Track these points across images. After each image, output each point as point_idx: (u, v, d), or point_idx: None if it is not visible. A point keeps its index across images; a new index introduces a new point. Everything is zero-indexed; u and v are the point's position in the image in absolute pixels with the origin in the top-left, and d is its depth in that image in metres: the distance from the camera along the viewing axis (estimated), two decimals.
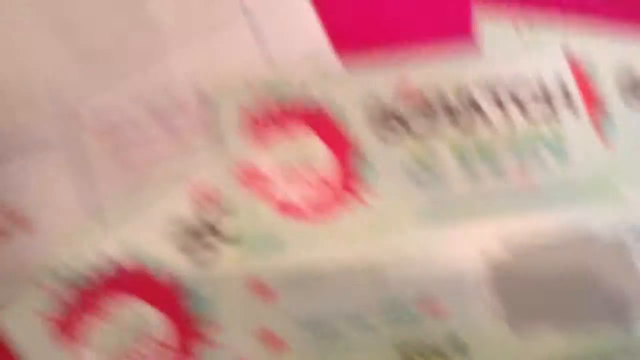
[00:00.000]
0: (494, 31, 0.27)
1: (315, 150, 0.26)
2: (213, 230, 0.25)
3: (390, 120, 0.26)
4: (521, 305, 0.24)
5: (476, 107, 0.26)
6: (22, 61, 0.24)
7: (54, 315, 0.24)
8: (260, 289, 0.25)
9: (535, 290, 0.24)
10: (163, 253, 0.25)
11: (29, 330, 0.24)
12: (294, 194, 0.25)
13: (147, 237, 0.24)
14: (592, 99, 0.27)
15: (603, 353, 0.24)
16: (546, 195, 0.26)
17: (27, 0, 0.25)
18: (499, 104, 0.27)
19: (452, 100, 0.26)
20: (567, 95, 0.27)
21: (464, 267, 0.25)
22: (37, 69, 0.24)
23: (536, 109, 0.27)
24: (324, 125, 0.26)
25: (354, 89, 0.26)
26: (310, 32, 0.26)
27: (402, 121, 0.26)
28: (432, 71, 0.26)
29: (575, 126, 0.27)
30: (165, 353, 0.24)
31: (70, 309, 0.24)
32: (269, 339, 0.24)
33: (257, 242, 0.25)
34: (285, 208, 0.25)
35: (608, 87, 0.27)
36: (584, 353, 0.24)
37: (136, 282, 0.24)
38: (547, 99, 0.27)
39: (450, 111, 0.26)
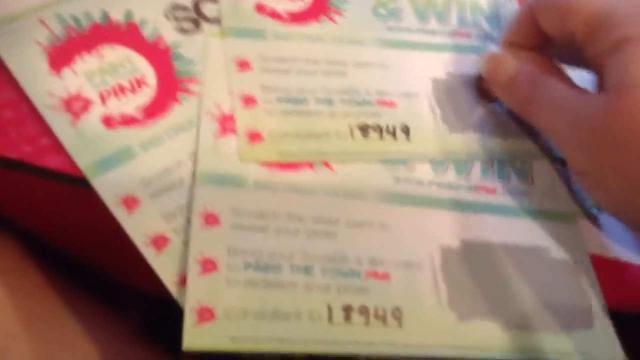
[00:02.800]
0: None
1: None
2: (197, 9, 0.29)
3: None
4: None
5: None
6: None
7: (50, 46, 0.26)
8: (240, 61, 0.28)
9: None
10: (153, 17, 0.28)
11: (25, 54, 0.26)
12: (274, 3, 0.30)
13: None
14: None
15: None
16: (477, 41, 0.32)
17: None
18: None
19: None
20: None
21: (414, 81, 0.30)
22: None
23: None
24: None
25: None
26: None
27: None
28: None
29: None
30: (147, 91, 0.27)
31: (65, 44, 0.27)
32: (246, 99, 0.27)
33: (237, 28, 0.29)
34: (265, 10, 0.30)
35: None
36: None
37: (128, 35, 0.28)
38: None
39: None
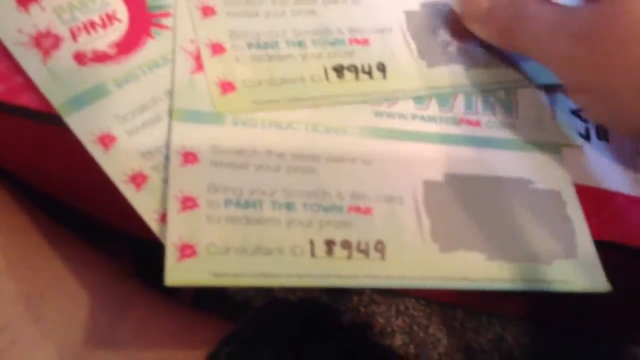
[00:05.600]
0: None
1: None
2: None
3: None
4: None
5: None
6: None
7: None
8: (203, 7, 0.27)
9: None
10: None
11: None
12: None
13: None
14: None
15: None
16: None
17: None
18: None
19: None
20: None
21: (386, 16, 0.29)
22: None
23: None
24: None
25: None
26: None
27: None
28: None
29: None
30: (119, 26, 0.26)
31: None
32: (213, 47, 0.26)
33: None
34: None
35: None
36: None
37: None
38: None
39: None
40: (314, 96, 0.26)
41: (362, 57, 0.27)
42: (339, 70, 0.27)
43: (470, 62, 0.29)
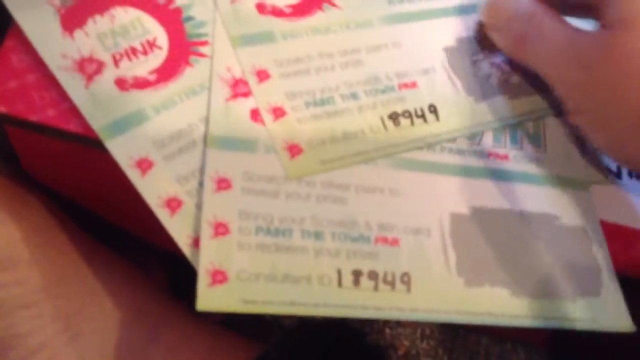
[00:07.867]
0: None
1: None
2: None
3: None
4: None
5: None
6: None
7: (62, 6, 0.26)
8: (257, 71, 0.27)
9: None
10: None
11: (37, 14, 0.26)
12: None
13: None
14: None
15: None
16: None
17: None
18: None
19: None
20: None
21: (428, 55, 0.29)
22: None
23: None
24: None
25: None
26: None
27: None
28: None
29: None
30: (159, 53, 0.27)
31: (77, 4, 0.27)
32: (275, 111, 0.27)
33: (244, 35, 0.28)
34: (265, 8, 0.29)
35: None
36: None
37: None
38: None
39: None
40: (375, 148, 0.26)
41: (414, 101, 0.28)
42: (394, 118, 0.27)
43: (513, 92, 0.29)
